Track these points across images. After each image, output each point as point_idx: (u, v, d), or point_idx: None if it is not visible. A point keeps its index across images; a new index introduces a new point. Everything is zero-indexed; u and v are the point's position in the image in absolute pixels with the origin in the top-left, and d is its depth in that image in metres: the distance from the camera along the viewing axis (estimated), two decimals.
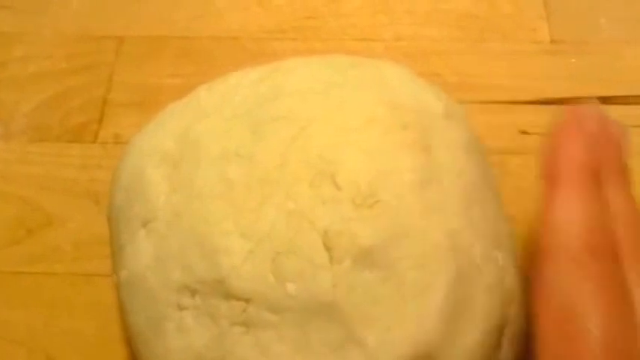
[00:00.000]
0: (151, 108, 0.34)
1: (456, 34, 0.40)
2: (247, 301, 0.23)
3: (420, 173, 0.24)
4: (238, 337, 0.23)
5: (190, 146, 0.26)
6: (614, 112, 0.37)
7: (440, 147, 0.25)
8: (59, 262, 0.33)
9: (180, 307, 0.24)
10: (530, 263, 0.23)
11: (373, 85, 0.27)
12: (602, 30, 0.40)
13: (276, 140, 0.25)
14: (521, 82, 0.38)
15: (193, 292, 0.23)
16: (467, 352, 0.23)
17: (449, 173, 0.25)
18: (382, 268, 0.22)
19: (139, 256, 0.25)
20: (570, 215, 0.22)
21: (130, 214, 0.27)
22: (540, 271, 0.22)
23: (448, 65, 0.38)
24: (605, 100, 0.37)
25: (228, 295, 0.23)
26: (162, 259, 0.24)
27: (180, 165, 0.26)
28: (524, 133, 0.36)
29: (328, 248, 0.22)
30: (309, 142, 0.25)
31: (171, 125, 0.28)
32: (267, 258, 0.23)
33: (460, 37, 0.40)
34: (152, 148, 0.27)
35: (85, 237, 0.34)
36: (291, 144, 0.25)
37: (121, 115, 0.37)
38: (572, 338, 0.20)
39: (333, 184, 0.23)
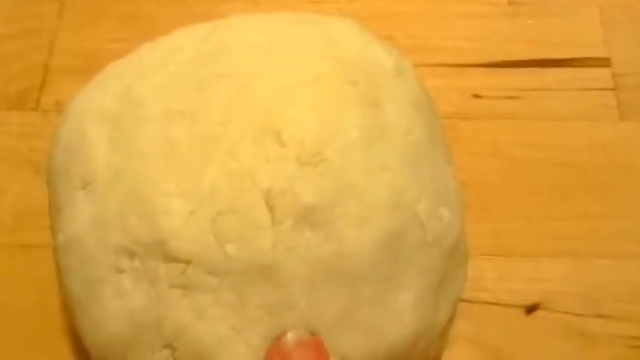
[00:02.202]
0: (94, 74, 0.32)
1: None
2: (187, 262, 0.22)
3: (367, 130, 0.23)
4: (176, 300, 0.22)
5: (132, 105, 0.25)
6: (571, 74, 0.37)
7: (389, 103, 0.25)
8: None
9: (119, 270, 0.23)
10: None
11: (320, 41, 0.26)
12: None
13: (219, 97, 0.24)
14: (477, 45, 0.37)
15: (132, 255, 0.23)
16: (402, 310, 0.23)
17: (397, 130, 0.24)
18: (323, 228, 0.22)
19: (77, 218, 0.24)
20: None
21: (68, 176, 0.26)
22: None
23: (402, 28, 0.37)
24: (562, 62, 0.36)
25: (168, 257, 0.22)
26: (101, 220, 0.24)
27: (121, 124, 0.25)
28: (477, 97, 0.35)
29: (271, 208, 0.22)
30: (253, 98, 0.24)
31: (111, 84, 0.27)
32: (207, 218, 0.22)
33: None
34: (92, 108, 0.26)
35: (25, 208, 0.33)
36: (235, 100, 0.24)
37: (63, 82, 0.36)
38: None
39: (278, 141, 0.23)
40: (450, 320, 0.26)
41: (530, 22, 0.37)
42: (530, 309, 0.30)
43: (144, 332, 0.23)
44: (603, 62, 0.36)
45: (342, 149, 0.23)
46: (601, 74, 0.36)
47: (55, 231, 0.26)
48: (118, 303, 0.23)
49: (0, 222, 0.32)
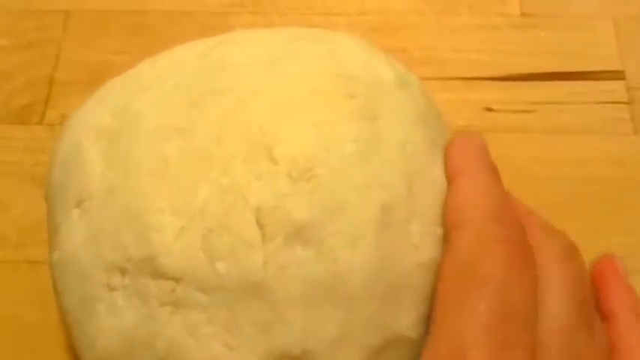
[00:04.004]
0: (100, 86, 0.32)
1: (422, 8, 0.38)
2: (177, 280, 0.22)
3: (362, 144, 0.23)
4: (167, 318, 0.22)
5: (128, 121, 0.25)
6: (585, 87, 0.36)
7: (387, 116, 0.24)
8: (2, 249, 0.32)
9: (111, 288, 0.23)
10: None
11: (321, 56, 0.26)
12: (573, 3, 0.38)
13: (215, 114, 0.24)
14: (489, 57, 0.36)
15: (123, 272, 0.23)
16: (397, 334, 0.22)
17: (393, 143, 0.23)
18: (314, 246, 0.21)
19: (72, 235, 0.24)
20: (475, 194, 0.23)
21: (65, 193, 0.25)
22: (448, 245, 0.22)
23: (413, 40, 0.37)
24: (576, 75, 0.36)
25: (158, 274, 0.22)
26: (94, 237, 0.23)
27: (118, 140, 0.25)
28: (489, 110, 0.35)
29: (261, 225, 0.22)
30: (247, 114, 0.23)
31: (109, 100, 0.27)
32: (198, 235, 0.22)
33: (427, 10, 0.38)
34: (89, 124, 0.26)
35: (29, 223, 0.32)
36: (230, 117, 0.23)
37: (68, 95, 0.35)
38: (468, 289, 0.20)
39: (270, 158, 0.22)
40: None
41: (542, 34, 0.37)
42: None
43: (136, 350, 0.22)
44: (618, 75, 0.36)
45: (335, 165, 0.22)
46: (615, 87, 0.35)
47: (52, 249, 0.26)
48: (110, 320, 0.23)
49: (5, 237, 0.32)
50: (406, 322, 0.22)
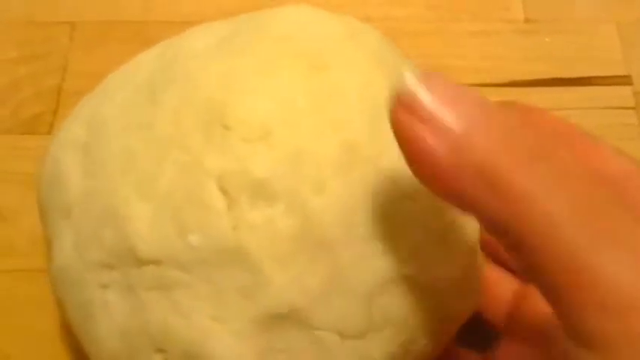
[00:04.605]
0: None
1: (425, 15, 0.38)
2: (157, 263, 0.22)
3: (314, 95, 0.23)
4: (155, 302, 0.22)
5: (98, 129, 0.26)
6: (590, 93, 0.36)
7: (341, 64, 0.24)
8: (13, 258, 0.32)
9: (103, 285, 0.23)
10: None
11: (268, 28, 0.26)
12: (577, 9, 0.38)
13: (169, 100, 0.24)
14: (493, 64, 0.36)
15: (110, 267, 0.23)
16: (392, 276, 0.22)
17: (351, 88, 0.23)
18: (281, 200, 0.21)
19: (62, 246, 0.25)
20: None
21: (53, 208, 0.26)
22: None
23: (417, 47, 0.37)
24: (581, 81, 0.36)
25: (139, 262, 0.22)
26: (80, 242, 0.24)
27: (90, 150, 0.25)
28: None
29: (224, 191, 0.22)
30: (198, 92, 0.24)
31: (82, 114, 0.27)
32: (167, 216, 0.22)
33: (429, 17, 0.38)
34: (66, 140, 0.27)
35: (40, 232, 0.32)
36: (183, 99, 0.24)
37: (76, 104, 0.35)
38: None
39: (224, 126, 0.22)
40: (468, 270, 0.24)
41: (547, 39, 0.37)
42: None
43: (135, 342, 0.23)
44: (624, 80, 0.36)
45: (289, 119, 0.22)
46: (622, 92, 0.35)
47: (49, 264, 0.26)
48: (107, 320, 0.23)
49: (16, 246, 0.32)
50: (398, 259, 0.22)
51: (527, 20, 0.38)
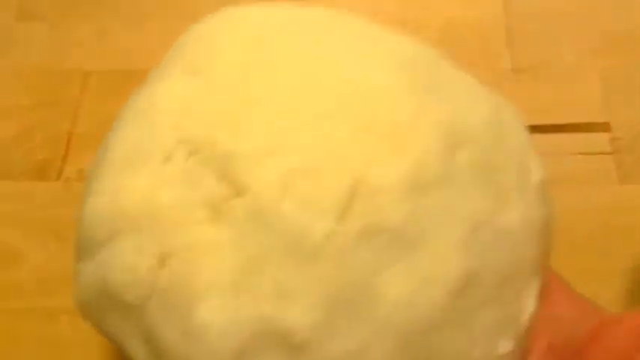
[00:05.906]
0: None
1: None
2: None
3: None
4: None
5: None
6: (571, 139, 0.37)
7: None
8: (21, 299, 0.34)
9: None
10: None
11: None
12: (565, 57, 0.40)
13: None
14: None
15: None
16: None
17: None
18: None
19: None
20: None
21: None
22: None
23: None
24: (562, 127, 0.37)
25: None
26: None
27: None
28: None
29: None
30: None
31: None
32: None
33: None
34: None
35: (48, 274, 0.34)
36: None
37: (86, 151, 0.38)
38: None
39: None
40: None
41: (532, 88, 0.39)
42: None
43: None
44: (603, 127, 0.37)
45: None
46: (600, 138, 0.37)
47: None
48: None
49: (24, 287, 0.34)
50: None
51: (514, 70, 0.39)
